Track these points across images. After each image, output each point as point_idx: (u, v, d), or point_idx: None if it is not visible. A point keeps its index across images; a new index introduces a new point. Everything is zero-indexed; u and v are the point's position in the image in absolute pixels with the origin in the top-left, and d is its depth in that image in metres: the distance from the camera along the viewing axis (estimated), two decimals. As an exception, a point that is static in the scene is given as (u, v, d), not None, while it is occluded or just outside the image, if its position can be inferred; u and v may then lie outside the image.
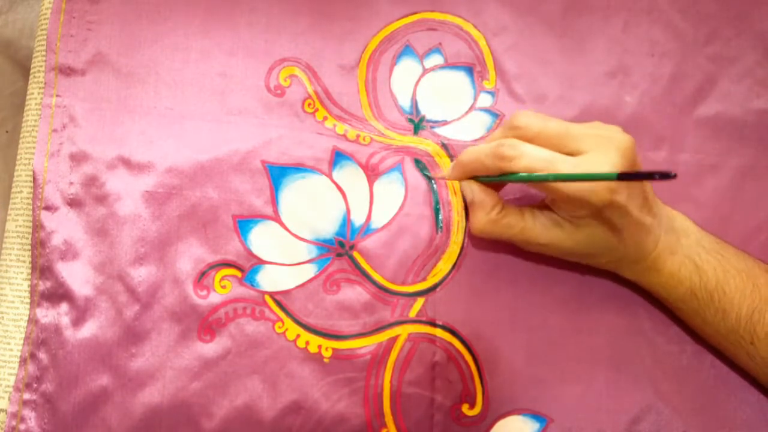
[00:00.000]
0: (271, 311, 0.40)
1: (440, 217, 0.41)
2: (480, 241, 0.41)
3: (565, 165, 0.33)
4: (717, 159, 0.43)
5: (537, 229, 0.36)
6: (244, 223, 0.40)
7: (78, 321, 0.39)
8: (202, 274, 0.40)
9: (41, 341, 0.39)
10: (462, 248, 0.41)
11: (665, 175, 0.28)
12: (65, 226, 0.40)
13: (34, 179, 0.40)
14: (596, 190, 0.32)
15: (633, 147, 0.34)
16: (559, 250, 0.37)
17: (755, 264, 0.37)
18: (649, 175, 0.29)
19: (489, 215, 0.37)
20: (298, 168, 0.41)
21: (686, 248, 0.37)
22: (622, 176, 0.30)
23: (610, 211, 0.34)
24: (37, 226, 0.40)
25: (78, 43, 0.42)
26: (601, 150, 0.33)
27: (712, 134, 0.43)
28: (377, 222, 0.41)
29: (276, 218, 0.41)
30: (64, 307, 0.39)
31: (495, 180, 0.37)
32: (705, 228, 0.41)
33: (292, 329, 0.40)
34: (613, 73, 0.43)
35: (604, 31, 0.44)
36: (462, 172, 0.39)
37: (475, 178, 0.38)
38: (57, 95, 0.41)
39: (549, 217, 0.36)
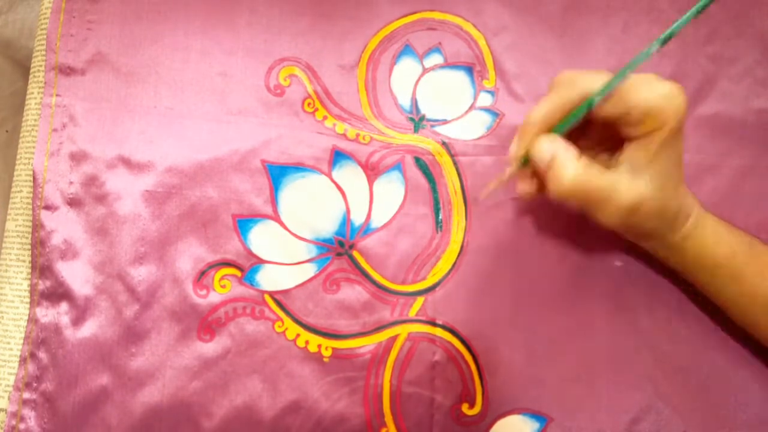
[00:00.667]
0: (271, 311, 0.40)
1: (440, 216, 0.41)
2: (480, 241, 0.41)
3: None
4: (717, 159, 0.43)
5: (624, 183, 0.33)
6: (243, 223, 0.40)
7: (78, 320, 0.39)
8: (202, 274, 0.40)
9: (41, 341, 0.39)
10: (462, 248, 0.41)
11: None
12: (65, 226, 0.40)
13: (34, 179, 0.40)
14: (677, 95, 0.32)
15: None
16: (646, 205, 0.34)
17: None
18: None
19: (579, 163, 0.33)
20: (298, 167, 0.41)
21: (712, 216, 0.37)
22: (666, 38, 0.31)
23: (680, 132, 0.33)
24: (37, 225, 0.40)
25: (78, 43, 0.42)
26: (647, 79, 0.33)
27: (712, 134, 0.43)
28: (377, 221, 0.41)
29: (276, 218, 0.41)
30: (63, 306, 0.39)
31: (576, 118, 0.34)
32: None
33: (292, 329, 0.40)
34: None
35: (604, 31, 0.44)
36: (537, 130, 0.35)
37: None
38: (57, 95, 0.41)
39: (627, 168, 0.34)
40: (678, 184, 0.35)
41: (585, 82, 0.34)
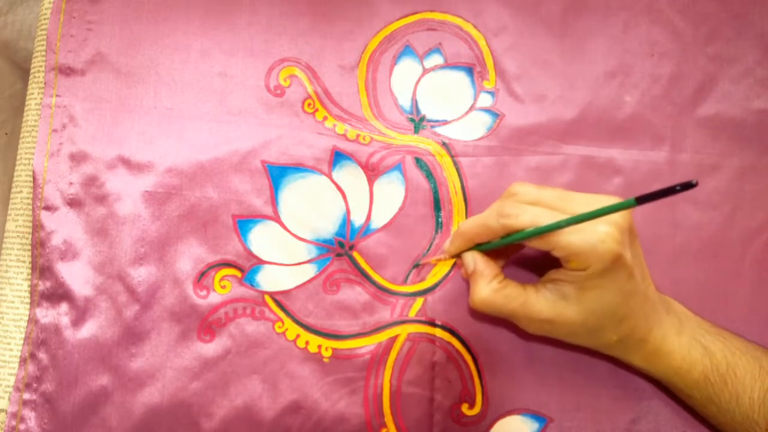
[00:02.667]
0: (271, 311, 0.40)
1: (440, 217, 0.41)
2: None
3: (569, 218, 0.32)
4: (717, 159, 0.43)
5: (541, 302, 0.34)
6: (243, 223, 0.40)
7: (78, 321, 0.39)
8: (202, 274, 0.40)
9: (41, 341, 0.39)
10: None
11: (687, 186, 0.26)
12: (65, 226, 0.40)
13: (34, 179, 0.40)
14: (605, 240, 0.31)
15: (625, 213, 0.33)
16: (566, 326, 0.35)
17: (754, 345, 0.37)
18: (670, 190, 0.27)
19: (491, 284, 0.35)
20: (298, 168, 0.41)
21: (690, 330, 0.36)
22: (641, 199, 0.28)
23: (617, 269, 0.32)
24: (37, 226, 0.40)
25: (78, 43, 0.42)
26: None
27: (712, 134, 0.43)
28: (377, 222, 0.41)
29: (276, 218, 0.41)
30: (63, 307, 0.39)
31: (499, 245, 0.36)
32: (705, 228, 0.42)
33: (292, 329, 0.40)
34: (613, 73, 0.43)
35: (604, 32, 0.44)
36: (463, 242, 0.37)
37: (475, 248, 0.37)
38: (57, 95, 0.41)
39: (552, 290, 0.35)
40: (620, 317, 0.34)
41: (519, 217, 0.33)
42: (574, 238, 0.32)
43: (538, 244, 0.33)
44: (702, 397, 0.36)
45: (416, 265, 0.40)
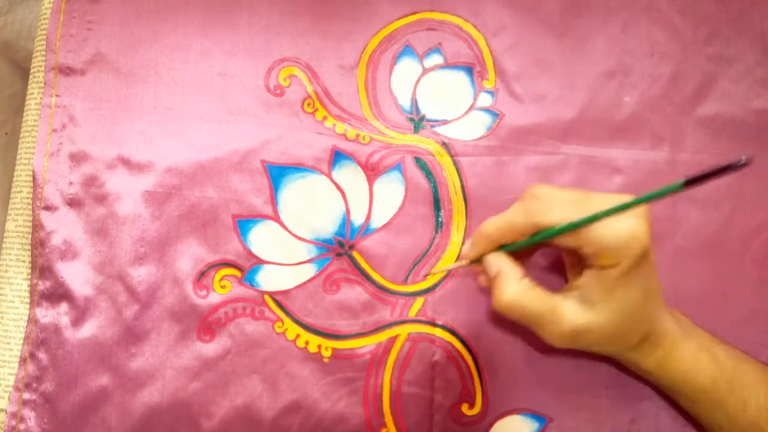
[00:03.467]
0: (271, 311, 0.40)
1: (440, 216, 0.41)
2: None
3: (604, 211, 0.32)
4: (717, 159, 0.43)
5: (570, 310, 0.33)
6: (243, 223, 0.40)
7: (78, 321, 0.39)
8: (202, 274, 0.40)
9: (41, 341, 0.39)
10: (462, 248, 0.41)
11: (737, 165, 0.24)
12: (65, 226, 0.40)
13: (34, 179, 0.40)
14: (637, 234, 0.31)
15: (648, 208, 0.33)
16: (593, 333, 0.33)
17: (753, 359, 0.37)
18: (723, 169, 0.25)
19: (520, 284, 0.34)
20: (298, 168, 0.41)
21: (697, 336, 0.36)
22: (690, 181, 0.27)
23: (644, 266, 0.32)
24: (36, 226, 0.40)
25: (78, 43, 0.42)
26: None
27: (712, 134, 0.43)
28: (377, 222, 0.41)
29: (275, 218, 0.40)
30: (63, 307, 0.39)
31: (526, 244, 0.34)
32: (705, 228, 0.42)
33: (292, 329, 0.40)
34: (612, 73, 0.43)
35: (603, 31, 0.44)
36: (487, 243, 0.35)
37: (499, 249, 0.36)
38: (57, 95, 0.41)
39: (579, 298, 0.33)
40: (642, 316, 0.34)
41: (549, 214, 0.33)
42: (606, 231, 0.31)
43: (569, 241, 0.33)
44: (708, 402, 0.36)
45: (425, 275, 0.40)
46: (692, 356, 0.35)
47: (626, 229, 0.31)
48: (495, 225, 0.35)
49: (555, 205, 0.33)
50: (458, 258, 0.40)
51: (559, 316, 0.33)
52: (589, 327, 0.33)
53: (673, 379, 0.36)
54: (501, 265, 0.35)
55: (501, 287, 0.34)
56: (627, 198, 0.32)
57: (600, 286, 0.33)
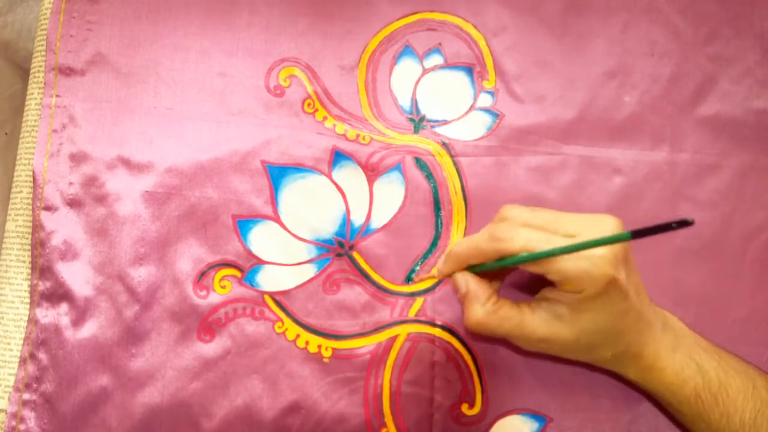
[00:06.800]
0: (271, 311, 0.40)
1: (440, 217, 0.41)
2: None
3: (563, 241, 0.32)
4: (717, 159, 0.43)
5: (536, 322, 0.34)
6: (243, 223, 0.40)
7: (78, 321, 0.39)
8: (202, 274, 0.40)
9: (41, 341, 0.39)
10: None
11: (683, 223, 0.25)
12: (65, 226, 0.40)
13: (34, 179, 0.40)
14: (599, 264, 0.31)
15: (622, 226, 0.33)
16: (560, 344, 0.35)
17: (749, 366, 0.37)
18: (666, 227, 0.26)
19: (485, 306, 0.35)
20: (298, 168, 0.41)
21: (685, 347, 0.36)
22: (637, 233, 0.28)
23: (611, 291, 0.32)
24: (36, 226, 0.40)
25: (78, 43, 0.42)
26: (594, 229, 0.32)
27: (712, 134, 0.43)
28: (377, 222, 0.41)
29: (276, 218, 0.41)
30: (63, 307, 0.39)
31: (492, 267, 0.35)
32: (705, 228, 0.42)
33: (292, 329, 0.40)
34: (612, 74, 0.43)
35: (603, 32, 0.44)
36: (455, 263, 0.37)
37: (468, 269, 0.37)
38: (57, 95, 0.41)
39: (547, 309, 0.34)
40: (613, 335, 0.34)
41: (511, 242, 0.33)
42: (568, 263, 0.32)
43: (531, 268, 0.33)
44: (692, 413, 0.36)
45: (409, 279, 0.40)
46: (676, 370, 0.35)
47: (588, 261, 0.32)
48: (462, 247, 0.36)
49: (520, 232, 0.33)
50: (433, 269, 0.40)
51: (525, 331, 0.34)
52: (554, 339, 0.34)
53: (657, 389, 0.36)
54: (468, 286, 0.36)
55: (468, 310, 0.35)
56: (598, 220, 0.32)
57: (567, 305, 0.34)
